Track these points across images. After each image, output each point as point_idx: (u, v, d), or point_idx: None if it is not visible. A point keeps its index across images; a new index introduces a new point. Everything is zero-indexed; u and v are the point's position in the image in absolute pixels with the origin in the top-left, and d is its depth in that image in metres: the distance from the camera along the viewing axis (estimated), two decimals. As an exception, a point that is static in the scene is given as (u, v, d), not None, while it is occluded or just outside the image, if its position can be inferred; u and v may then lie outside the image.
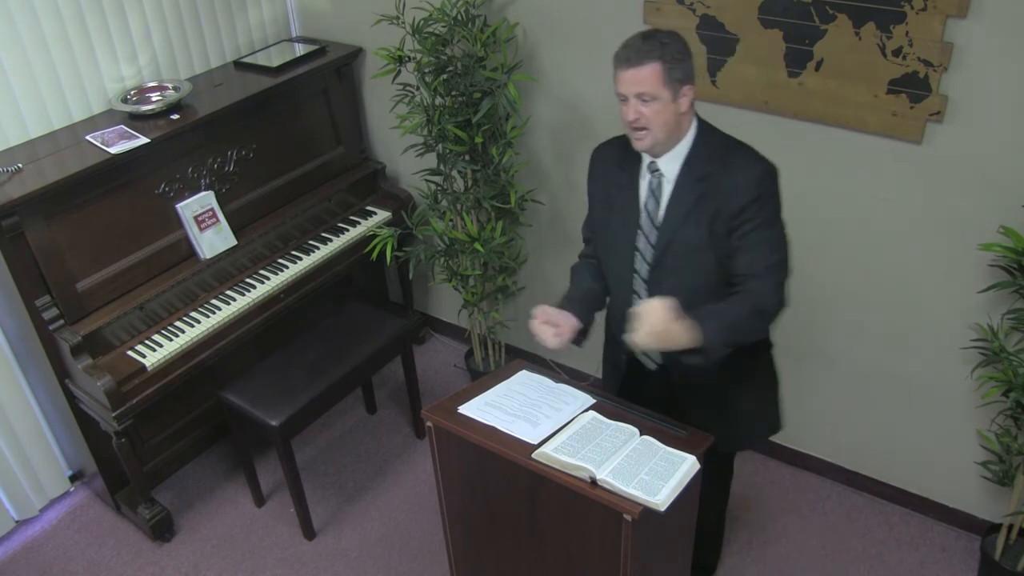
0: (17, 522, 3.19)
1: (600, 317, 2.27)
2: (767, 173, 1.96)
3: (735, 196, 1.93)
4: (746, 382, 2.22)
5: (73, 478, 3.34)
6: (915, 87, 2.34)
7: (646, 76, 1.85)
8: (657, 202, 2.02)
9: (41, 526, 3.20)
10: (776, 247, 2.00)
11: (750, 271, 1.97)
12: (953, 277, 2.54)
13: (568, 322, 2.09)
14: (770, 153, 2.69)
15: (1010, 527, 2.61)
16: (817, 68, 2.47)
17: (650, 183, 2.03)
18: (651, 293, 2.06)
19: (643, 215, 2.04)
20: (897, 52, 2.32)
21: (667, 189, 2.01)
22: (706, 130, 2.00)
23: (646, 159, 2.02)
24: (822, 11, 2.38)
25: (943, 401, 2.74)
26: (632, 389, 2.28)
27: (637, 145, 1.96)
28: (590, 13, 2.82)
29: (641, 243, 2.06)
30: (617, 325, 2.18)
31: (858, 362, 2.86)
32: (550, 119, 3.11)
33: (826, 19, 2.39)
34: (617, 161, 2.10)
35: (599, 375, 3.35)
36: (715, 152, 1.97)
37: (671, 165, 1.99)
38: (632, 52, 1.86)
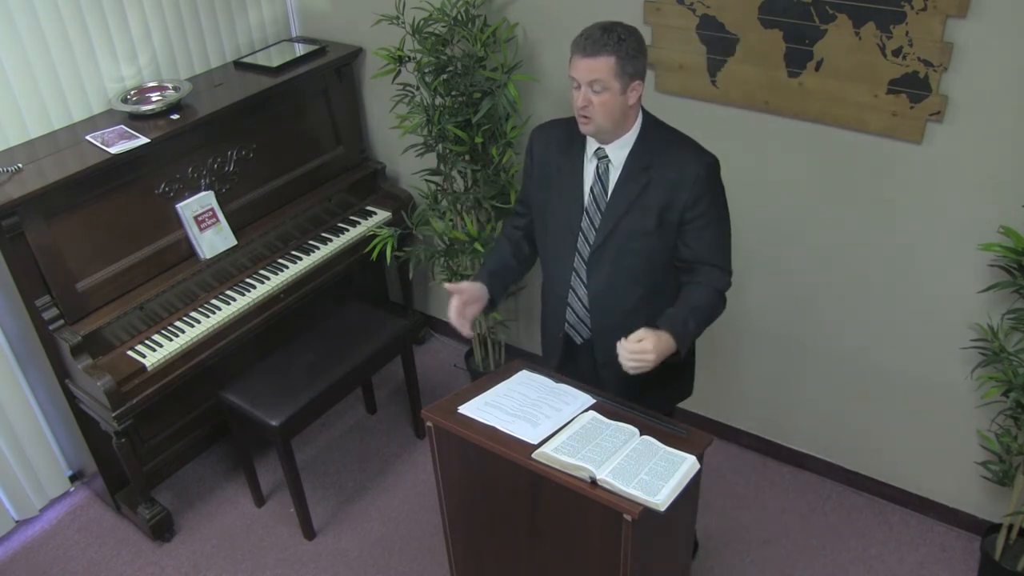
0: (17, 522, 3.19)
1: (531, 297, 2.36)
2: (713, 166, 2.07)
3: (685, 188, 2.03)
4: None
5: (73, 478, 3.34)
6: (915, 87, 2.34)
7: (600, 67, 1.95)
8: (604, 187, 2.11)
9: (41, 526, 3.20)
10: (725, 234, 2.12)
11: (704, 259, 2.09)
12: (953, 277, 2.54)
13: (478, 294, 2.23)
14: (770, 153, 2.71)
15: (1010, 527, 2.61)
16: (817, 68, 2.47)
17: (597, 168, 2.11)
18: (590, 273, 2.17)
19: (587, 198, 2.13)
20: (897, 52, 2.32)
21: (613, 175, 2.10)
22: (651, 123, 2.11)
23: (592, 144, 2.11)
24: (822, 11, 2.38)
25: (943, 401, 2.74)
26: (569, 362, 2.38)
27: (583, 129, 2.05)
28: (590, 13, 2.80)
29: (584, 225, 2.14)
30: (555, 299, 2.30)
31: (858, 362, 2.86)
32: (550, 119, 3.10)
33: (826, 19, 2.39)
34: (559, 144, 2.18)
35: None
36: (661, 144, 2.08)
37: (618, 153, 2.09)
38: (590, 42, 1.95)
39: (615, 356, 2.07)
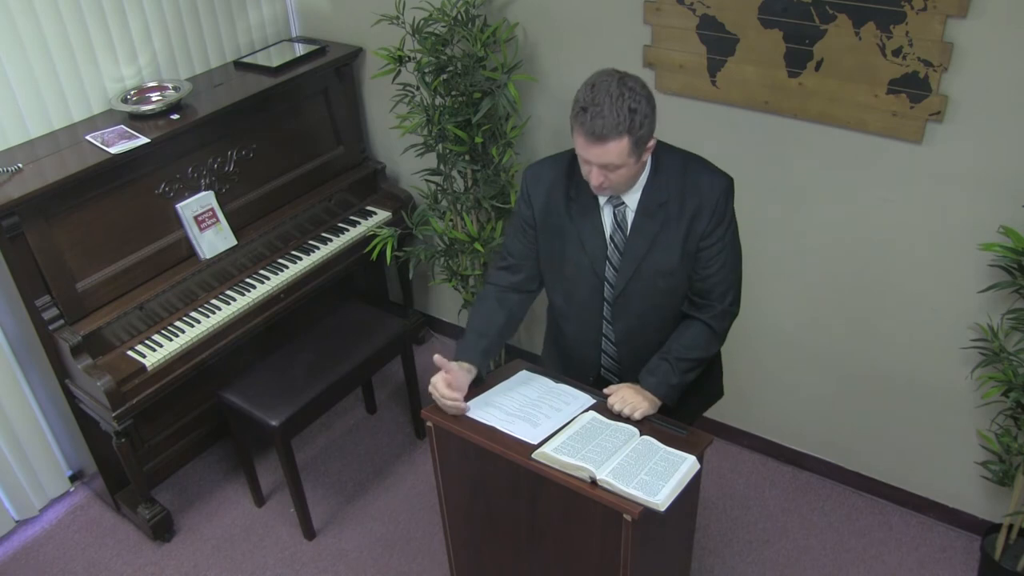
0: (17, 522, 3.19)
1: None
2: (728, 189, 1.99)
3: (703, 217, 1.96)
4: None
5: (73, 478, 3.34)
6: (915, 87, 2.34)
7: (612, 151, 1.79)
8: (624, 233, 2.01)
9: (41, 526, 3.20)
10: (735, 266, 2.06)
11: (713, 287, 2.03)
12: (953, 277, 2.54)
13: (466, 380, 2.05)
14: (770, 153, 2.71)
15: (1010, 527, 2.61)
16: (817, 68, 2.47)
17: (614, 215, 2.00)
18: (615, 317, 2.11)
19: (610, 247, 2.03)
20: (897, 52, 2.32)
21: (630, 217, 2.00)
22: (660, 153, 1.97)
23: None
24: (822, 11, 2.38)
25: (943, 401, 2.74)
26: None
27: (600, 194, 1.96)
28: (590, 13, 2.82)
29: (609, 273, 2.06)
30: (586, 346, 2.20)
31: (858, 362, 2.86)
32: (550, 119, 3.11)
33: (826, 19, 2.38)
34: (563, 189, 2.03)
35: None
36: (673, 175, 1.96)
37: (632, 196, 1.98)
38: (598, 124, 1.76)
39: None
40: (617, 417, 2.02)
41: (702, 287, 2.03)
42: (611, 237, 2.02)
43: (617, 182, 1.89)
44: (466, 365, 2.07)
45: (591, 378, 2.25)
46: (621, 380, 2.20)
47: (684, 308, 2.08)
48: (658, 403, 2.05)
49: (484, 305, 2.16)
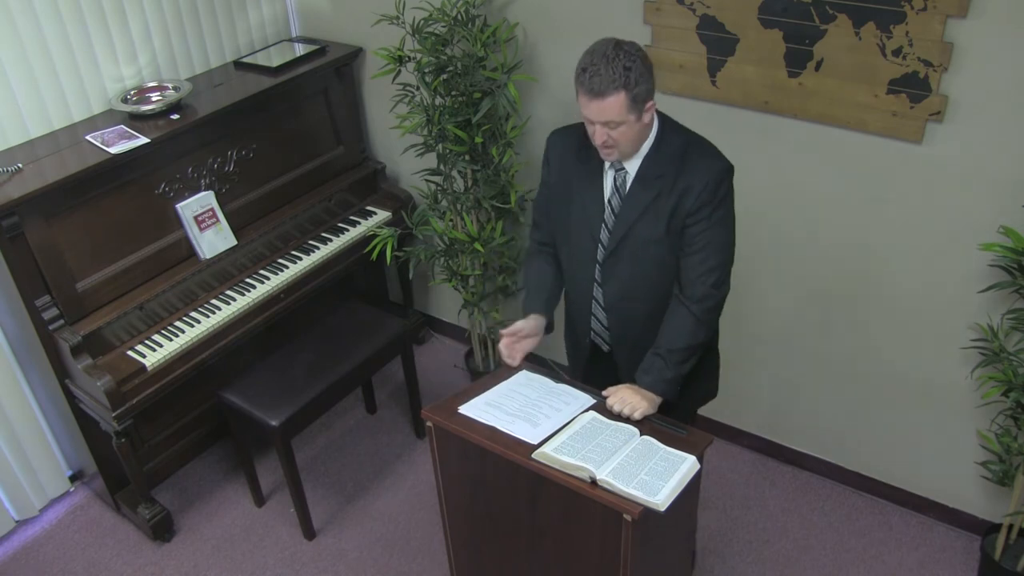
0: (17, 522, 3.19)
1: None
2: (723, 174, 2.04)
3: (692, 196, 2.02)
4: None
5: (73, 478, 3.34)
6: (915, 87, 2.34)
7: (611, 106, 1.90)
8: (620, 197, 2.10)
9: (41, 526, 3.20)
10: (722, 249, 2.08)
11: (695, 267, 2.07)
12: (953, 277, 2.54)
13: (535, 329, 2.24)
14: (770, 153, 2.71)
15: (1010, 527, 2.61)
16: (817, 68, 2.47)
17: (614, 179, 2.10)
18: (604, 280, 2.18)
19: (607, 210, 2.12)
20: (897, 52, 2.32)
21: (628, 185, 2.09)
22: (666, 129, 2.08)
23: None
24: (822, 11, 2.38)
25: (943, 401, 2.74)
26: (594, 369, 2.38)
27: (606, 158, 2.05)
28: (590, 13, 2.82)
29: (603, 235, 2.14)
30: (578, 308, 2.30)
31: (858, 362, 2.86)
32: (550, 119, 3.10)
33: (826, 19, 2.39)
34: (576, 151, 2.15)
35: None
36: (674, 151, 2.05)
37: (633, 162, 2.08)
38: (596, 81, 1.88)
39: (635, 366, 2.13)
40: (617, 417, 2.02)
41: (685, 264, 2.08)
42: (609, 200, 2.12)
43: (620, 141, 1.97)
44: (535, 316, 2.25)
45: (586, 342, 2.33)
46: (612, 349, 2.30)
47: (674, 292, 2.13)
48: (658, 400, 2.06)
49: (533, 263, 2.35)
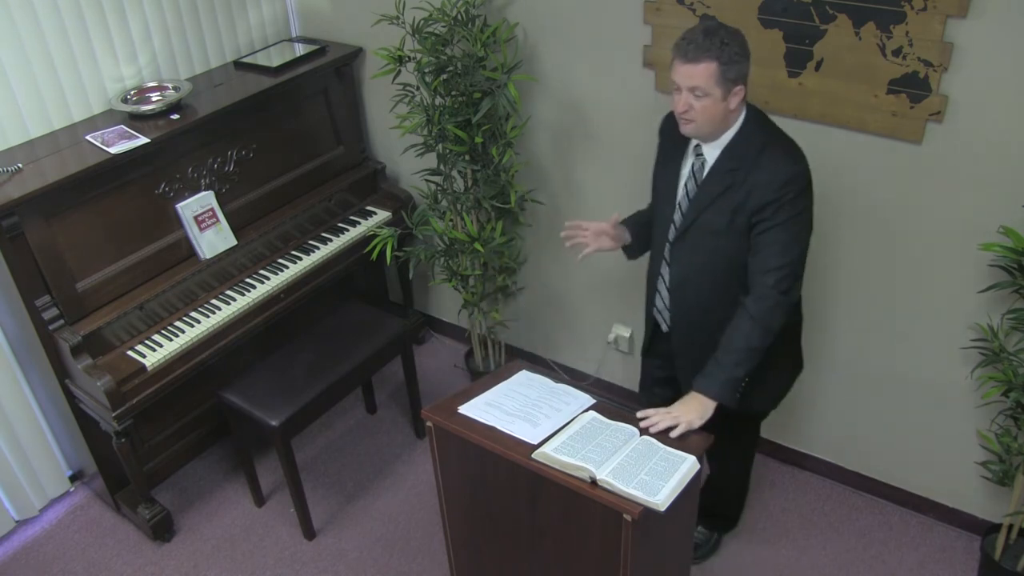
0: (17, 522, 3.19)
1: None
2: (795, 176, 2.04)
3: (758, 193, 2.04)
4: None
5: (73, 478, 3.34)
6: (915, 87, 2.34)
7: (700, 73, 1.95)
8: (696, 183, 2.17)
9: (41, 526, 3.20)
10: (786, 250, 2.06)
11: (760, 267, 2.08)
12: (953, 277, 2.54)
13: (621, 234, 2.40)
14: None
15: (1010, 527, 2.61)
16: (817, 68, 2.47)
17: (693, 165, 2.17)
18: (672, 260, 2.26)
19: (680, 192, 2.20)
20: (897, 52, 2.32)
21: (705, 172, 2.15)
22: (752, 123, 2.10)
23: (693, 141, 2.17)
24: (822, 11, 2.38)
25: (943, 401, 2.74)
26: (654, 348, 2.50)
27: (683, 129, 2.10)
28: (590, 13, 2.82)
29: (676, 216, 2.23)
30: (650, 282, 2.41)
31: (858, 362, 2.86)
32: (550, 119, 3.11)
33: (826, 19, 2.39)
34: (671, 135, 2.24)
35: (599, 375, 3.36)
36: (754, 147, 2.07)
37: (712, 151, 2.12)
38: (691, 47, 1.95)
39: (689, 351, 2.22)
40: (618, 418, 2.02)
41: (750, 264, 2.10)
42: (685, 184, 2.20)
43: (700, 114, 2.01)
44: (624, 226, 2.41)
45: (651, 315, 2.43)
46: (670, 329, 2.37)
47: (741, 296, 2.13)
48: (709, 406, 2.04)
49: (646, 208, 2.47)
